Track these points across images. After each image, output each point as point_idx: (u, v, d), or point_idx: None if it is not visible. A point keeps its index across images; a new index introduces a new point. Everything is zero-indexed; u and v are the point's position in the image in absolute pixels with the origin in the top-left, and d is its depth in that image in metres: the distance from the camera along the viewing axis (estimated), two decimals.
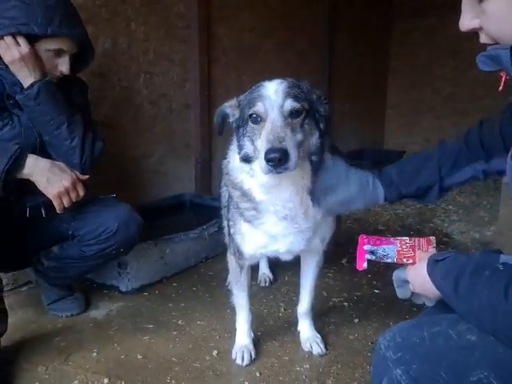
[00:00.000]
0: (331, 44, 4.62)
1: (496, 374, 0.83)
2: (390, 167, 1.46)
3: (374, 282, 2.41)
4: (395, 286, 1.20)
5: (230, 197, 1.58)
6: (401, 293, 1.19)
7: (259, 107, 1.28)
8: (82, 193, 1.74)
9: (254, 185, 1.41)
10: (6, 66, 1.68)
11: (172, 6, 2.98)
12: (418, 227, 3.34)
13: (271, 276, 2.43)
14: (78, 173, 1.76)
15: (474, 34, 0.96)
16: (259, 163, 1.24)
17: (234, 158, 1.47)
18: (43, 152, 1.79)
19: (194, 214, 3.16)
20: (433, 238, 1.26)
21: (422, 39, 5.52)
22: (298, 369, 1.71)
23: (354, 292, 2.32)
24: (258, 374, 1.67)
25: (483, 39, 0.94)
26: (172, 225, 2.79)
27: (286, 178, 1.34)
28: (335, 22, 4.60)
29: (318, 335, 1.86)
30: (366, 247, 1.25)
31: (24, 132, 1.74)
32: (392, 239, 1.28)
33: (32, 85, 1.67)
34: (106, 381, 1.62)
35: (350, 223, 3.43)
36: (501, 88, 0.99)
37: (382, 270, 2.49)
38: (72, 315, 2.06)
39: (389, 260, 1.21)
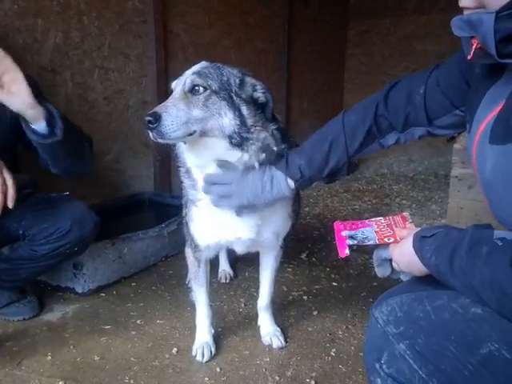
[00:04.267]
0: (289, 42, 4.67)
1: (508, 345, 0.81)
2: (296, 158, 1.39)
3: (333, 276, 2.47)
4: (375, 264, 1.18)
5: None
6: (380, 271, 1.18)
7: (173, 83, 1.39)
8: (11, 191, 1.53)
9: (192, 161, 1.45)
10: None
11: (127, 0, 2.92)
12: None
13: (231, 272, 2.44)
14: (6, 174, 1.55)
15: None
16: None
17: None
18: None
19: (154, 213, 3.11)
20: (407, 214, 1.24)
21: (377, 40, 5.70)
22: (259, 362, 1.73)
23: (313, 285, 2.36)
24: (218, 370, 1.68)
25: (465, 2, 0.89)
26: (131, 224, 2.73)
27: (208, 156, 1.38)
28: (293, 21, 4.65)
29: (278, 329, 1.88)
30: (344, 233, 1.20)
31: None
32: (367, 221, 1.24)
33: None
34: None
35: (310, 218, 3.49)
36: (470, 57, 0.94)
37: (340, 264, 2.57)
38: (24, 319, 1.98)
39: (370, 242, 1.17)
